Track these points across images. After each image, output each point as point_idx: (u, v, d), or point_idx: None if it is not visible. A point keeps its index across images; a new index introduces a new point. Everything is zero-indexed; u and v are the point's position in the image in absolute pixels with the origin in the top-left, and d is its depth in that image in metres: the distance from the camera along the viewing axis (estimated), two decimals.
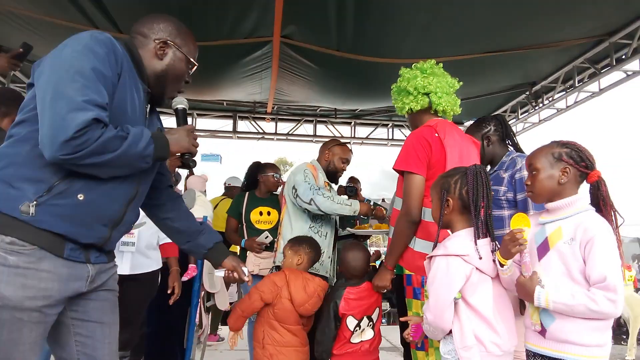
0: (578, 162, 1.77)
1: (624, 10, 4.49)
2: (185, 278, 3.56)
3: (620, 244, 1.72)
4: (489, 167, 2.81)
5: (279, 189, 4.18)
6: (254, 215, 4.01)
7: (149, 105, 1.72)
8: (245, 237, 3.99)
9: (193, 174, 4.49)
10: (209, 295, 4.06)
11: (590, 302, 1.60)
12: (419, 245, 2.33)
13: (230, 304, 6.30)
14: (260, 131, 7.86)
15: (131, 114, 1.56)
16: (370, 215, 3.20)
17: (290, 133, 7.94)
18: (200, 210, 3.93)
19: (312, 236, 3.04)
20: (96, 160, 1.38)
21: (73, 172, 1.43)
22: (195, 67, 1.78)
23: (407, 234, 2.34)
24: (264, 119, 7.75)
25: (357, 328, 2.56)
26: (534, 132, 7.21)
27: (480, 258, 1.80)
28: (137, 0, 3.90)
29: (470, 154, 2.48)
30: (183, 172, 4.71)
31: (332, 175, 3.36)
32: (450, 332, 1.85)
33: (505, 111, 7.14)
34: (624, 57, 5.05)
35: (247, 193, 4.15)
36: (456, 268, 1.81)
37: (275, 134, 7.87)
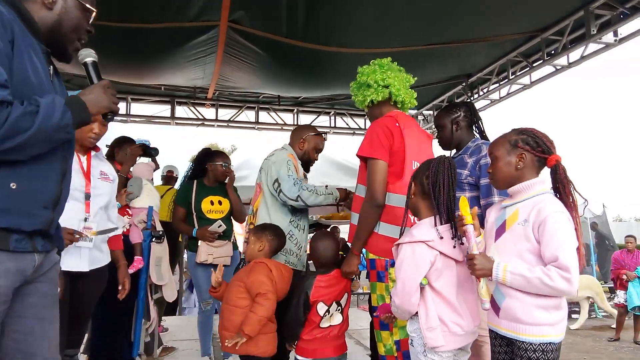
0: (534, 147, 1.86)
1: (555, 8, 4.82)
2: (131, 270, 3.42)
3: (578, 225, 1.79)
4: (454, 151, 2.93)
5: (227, 179, 4.10)
6: (205, 205, 3.91)
7: (51, 67, 1.57)
8: (196, 227, 3.89)
9: (156, 162, 4.29)
10: (156, 288, 3.95)
11: (545, 276, 1.67)
12: (383, 228, 2.42)
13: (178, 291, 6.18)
14: (200, 117, 7.63)
15: (36, 82, 1.43)
16: (348, 198, 3.13)
17: (231, 120, 7.78)
18: (147, 199, 3.78)
19: (292, 230, 3.01)
20: (10, 145, 1.28)
21: None
22: (94, 13, 1.63)
23: (373, 218, 2.43)
24: (203, 104, 7.52)
25: (327, 313, 2.60)
26: None
27: (442, 238, 1.90)
28: None
29: (427, 146, 2.64)
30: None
31: (305, 164, 3.27)
32: (417, 313, 1.94)
33: (442, 101, 7.41)
34: (553, 52, 5.39)
35: (195, 182, 4.02)
36: (422, 254, 1.91)
37: (216, 120, 7.66)
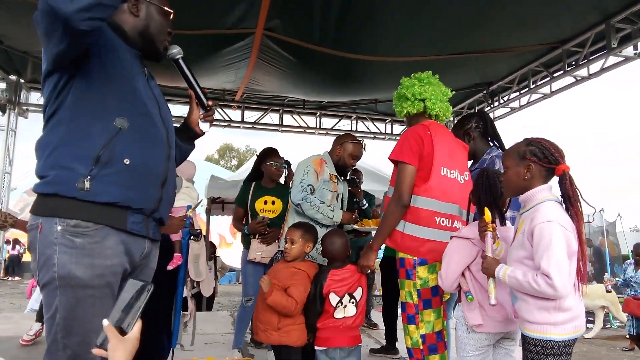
0: (541, 158, 1.95)
1: (577, 21, 4.99)
2: (170, 267, 3.51)
3: (579, 233, 1.87)
4: (470, 162, 3.07)
5: (282, 178, 4.23)
6: (259, 204, 4.02)
7: (146, 69, 1.76)
8: None
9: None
10: (194, 283, 4.13)
11: (533, 282, 1.82)
12: (409, 228, 2.58)
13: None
14: (227, 119, 7.90)
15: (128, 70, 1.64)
16: (352, 224, 3.41)
17: (256, 122, 8.04)
18: (186, 199, 3.91)
19: (313, 225, 3.17)
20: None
21: (112, 140, 1.51)
22: (172, 14, 1.79)
23: (396, 217, 2.59)
24: (230, 106, 7.78)
25: (339, 304, 2.75)
26: None
27: None
28: None
29: (460, 154, 2.79)
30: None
31: (341, 169, 3.46)
32: (460, 300, 2.25)
33: (462, 108, 7.59)
34: (574, 63, 5.56)
35: (253, 183, 4.16)
36: (465, 248, 2.25)
37: (242, 122, 7.93)
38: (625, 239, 11.68)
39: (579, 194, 1.91)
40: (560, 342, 1.85)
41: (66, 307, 1.47)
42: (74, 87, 1.53)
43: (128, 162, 1.54)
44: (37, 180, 1.54)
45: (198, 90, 1.88)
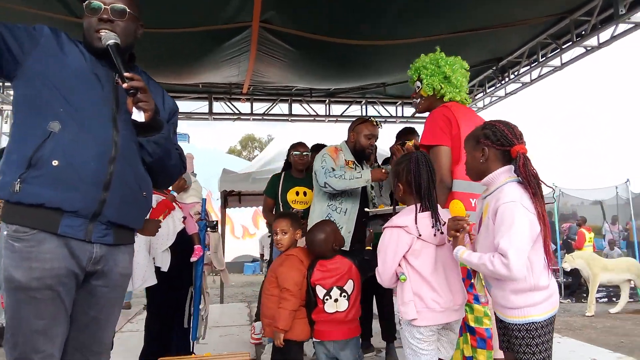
0: (494, 141, 1.94)
1: None
2: (194, 258, 3.68)
3: (540, 212, 1.82)
4: None
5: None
6: (290, 195, 4.09)
7: (117, 73, 1.72)
8: None
9: None
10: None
11: (489, 263, 1.78)
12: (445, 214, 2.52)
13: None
14: (236, 112, 7.92)
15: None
16: (383, 179, 3.38)
17: (265, 113, 8.04)
18: (195, 194, 3.96)
19: (330, 213, 3.31)
20: None
21: (43, 143, 1.55)
22: (97, 10, 1.70)
23: (442, 201, 2.48)
24: (239, 99, 7.81)
25: (328, 297, 2.69)
26: (501, 105, 7.58)
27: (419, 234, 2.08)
28: None
29: None
30: None
31: (361, 153, 3.49)
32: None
33: (473, 86, 7.43)
34: (583, 32, 5.36)
35: (283, 173, 4.26)
36: (399, 237, 2.11)
37: (251, 114, 7.94)
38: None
39: (533, 176, 1.85)
40: (542, 321, 1.84)
41: (11, 308, 1.56)
42: (19, 94, 1.66)
43: (56, 164, 1.55)
44: None
45: (122, 70, 1.67)
